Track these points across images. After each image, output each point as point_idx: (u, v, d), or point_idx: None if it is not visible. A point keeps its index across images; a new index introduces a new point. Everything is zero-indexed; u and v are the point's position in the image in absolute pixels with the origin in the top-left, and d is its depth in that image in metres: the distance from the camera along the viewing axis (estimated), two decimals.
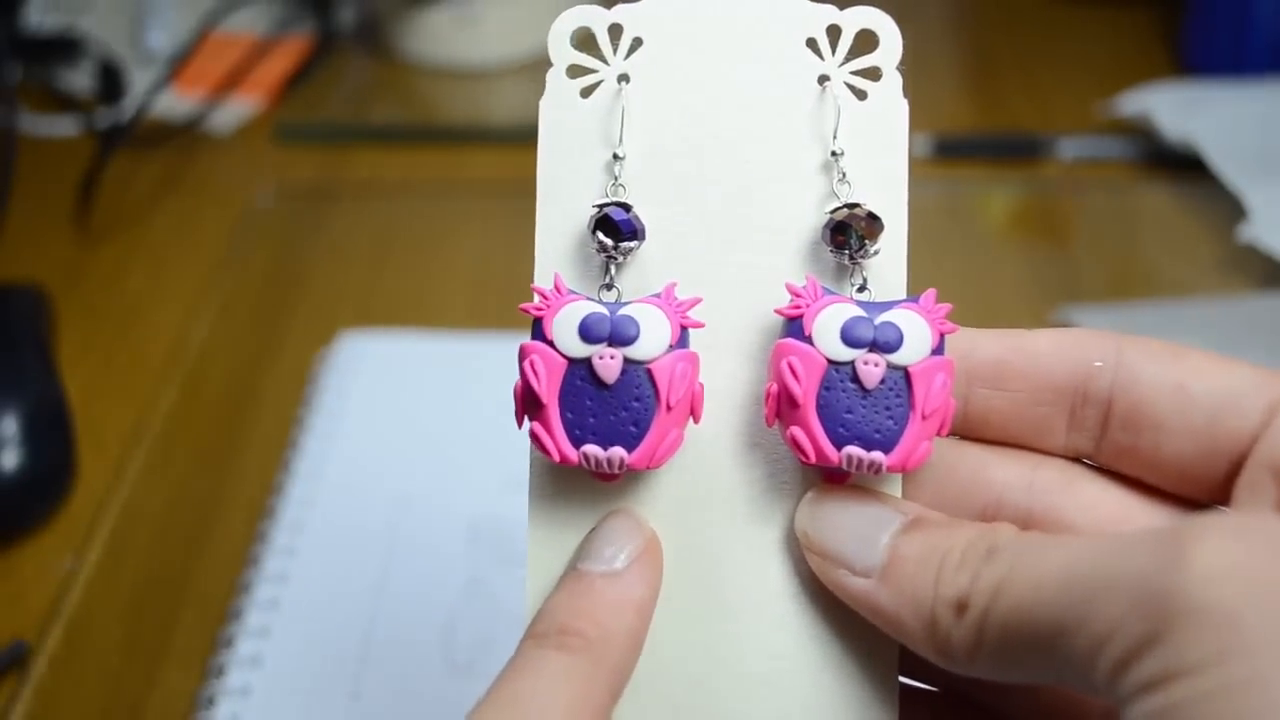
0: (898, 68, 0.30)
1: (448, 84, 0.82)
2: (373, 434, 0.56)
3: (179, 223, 0.71)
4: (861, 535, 0.27)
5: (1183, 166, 0.70)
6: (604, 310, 0.28)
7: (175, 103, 0.77)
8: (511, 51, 0.81)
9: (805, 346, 0.28)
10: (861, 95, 0.30)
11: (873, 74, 0.30)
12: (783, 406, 0.28)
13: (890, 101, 0.30)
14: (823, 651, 0.29)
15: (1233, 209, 0.65)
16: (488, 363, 0.59)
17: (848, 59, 0.30)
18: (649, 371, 0.28)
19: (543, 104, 0.30)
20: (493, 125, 0.78)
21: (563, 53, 0.30)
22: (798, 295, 0.28)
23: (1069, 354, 0.28)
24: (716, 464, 0.30)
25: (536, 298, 0.29)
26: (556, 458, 0.28)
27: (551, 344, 0.28)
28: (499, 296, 0.64)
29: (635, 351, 0.28)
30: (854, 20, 0.30)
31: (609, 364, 0.28)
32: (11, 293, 0.61)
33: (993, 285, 0.64)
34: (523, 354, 0.28)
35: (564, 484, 0.30)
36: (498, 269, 0.66)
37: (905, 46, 0.30)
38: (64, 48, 0.81)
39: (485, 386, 0.57)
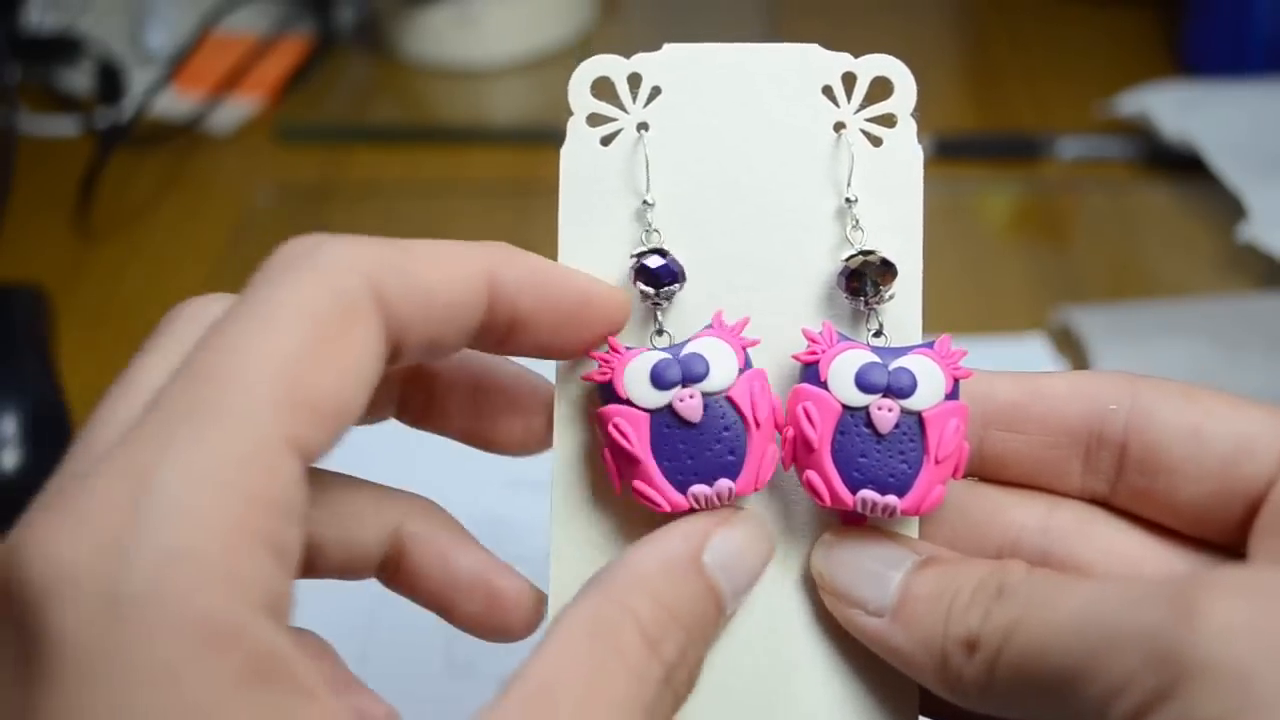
0: (912, 114, 0.30)
1: (448, 84, 0.82)
2: (372, 434, 0.56)
3: (179, 223, 0.71)
4: (874, 575, 0.28)
5: (1182, 166, 0.69)
6: (669, 355, 0.28)
7: (175, 103, 0.77)
8: (511, 51, 0.81)
9: (820, 392, 0.28)
10: (877, 142, 0.30)
11: (888, 120, 0.31)
12: (799, 451, 0.29)
13: (905, 148, 0.31)
14: (842, 691, 0.30)
15: (1233, 209, 0.65)
16: None
17: (863, 106, 0.30)
18: (729, 399, 0.28)
19: (564, 152, 0.30)
20: (492, 125, 0.78)
21: (583, 101, 0.30)
22: (814, 341, 0.29)
23: (1083, 397, 0.29)
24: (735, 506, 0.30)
25: (597, 364, 0.29)
26: (667, 508, 0.28)
27: (628, 401, 0.28)
28: None
29: (710, 385, 0.28)
30: (869, 68, 0.31)
31: (691, 403, 0.28)
32: (11, 293, 0.61)
33: (993, 285, 0.64)
34: (604, 419, 0.28)
35: (586, 490, 0.30)
36: None
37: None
38: (64, 48, 0.81)
39: None
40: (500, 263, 0.27)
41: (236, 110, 0.79)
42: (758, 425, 0.28)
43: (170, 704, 0.19)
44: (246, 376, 0.22)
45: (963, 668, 0.26)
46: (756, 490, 0.29)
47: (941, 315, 0.61)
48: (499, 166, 0.73)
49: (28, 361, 0.57)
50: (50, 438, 0.54)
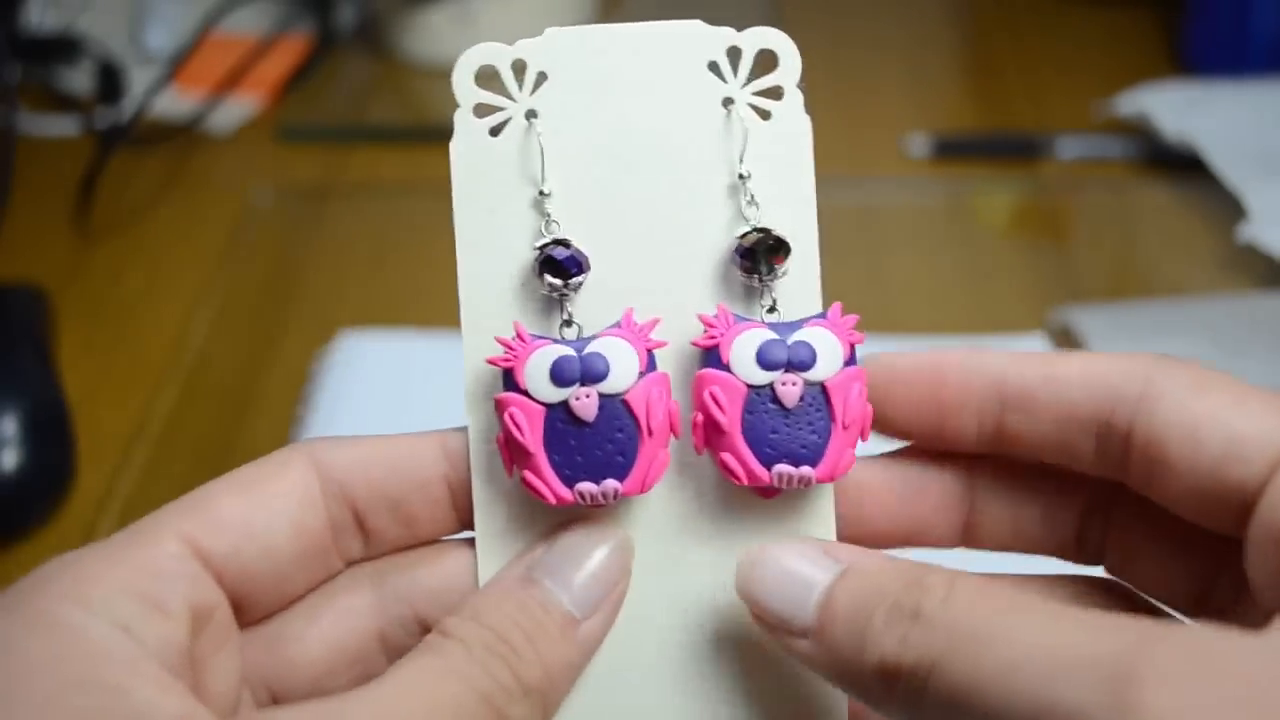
0: (799, 86, 0.30)
1: (447, 84, 0.82)
2: (372, 434, 0.56)
3: (178, 223, 0.71)
4: (794, 596, 0.27)
5: (1182, 166, 0.70)
6: (571, 351, 0.29)
7: (175, 102, 0.77)
8: None
9: (724, 375, 0.29)
10: (765, 115, 0.30)
11: (775, 94, 0.30)
12: (710, 435, 0.29)
13: (793, 120, 0.30)
14: (755, 666, 0.30)
15: (1233, 209, 0.65)
16: None
17: (749, 80, 0.30)
18: (625, 403, 0.28)
19: (453, 146, 0.30)
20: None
21: (467, 92, 0.30)
22: (710, 325, 0.29)
23: (1096, 384, 0.28)
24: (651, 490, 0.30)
25: (501, 349, 0.29)
26: (553, 501, 0.28)
27: (526, 393, 0.28)
28: None
29: (608, 386, 0.28)
30: (753, 41, 0.30)
31: (586, 403, 0.28)
32: (11, 293, 0.61)
33: (993, 285, 0.64)
34: (501, 406, 0.29)
35: (510, 495, 0.30)
36: None
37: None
38: (64, 48, 0.81)
39: None
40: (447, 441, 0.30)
41: (236, 110, 0.79)
42: (650, 432, 0.28)
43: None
44: (167, 506, 0.28)
45: (885, 696, 0.25)
46: (643, 492, 0.29)
47: (941, 314, 0.61)
48: None
49: (28, 361, 0.57)
50: (50, 438, 0.54)
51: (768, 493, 0.30)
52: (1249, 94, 0.73)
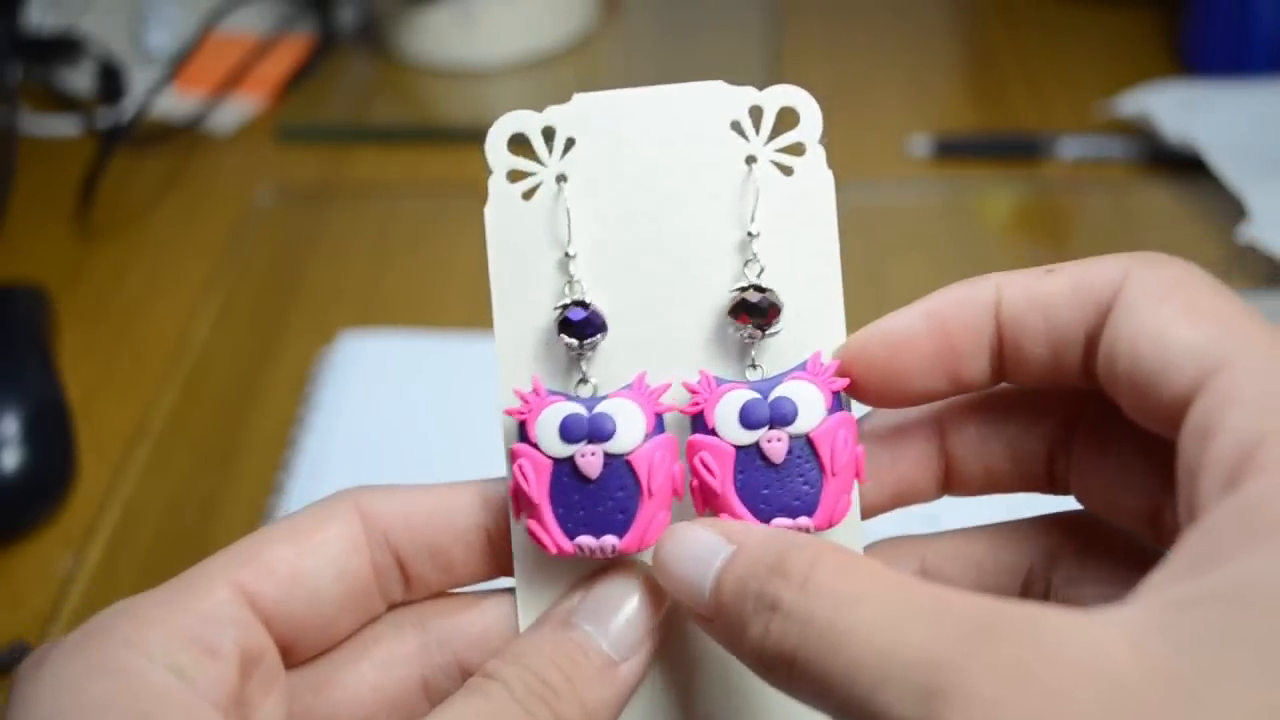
0: (820, 141, 0.31)
1: (448, 84, 0.82)
2: (373, 434, 0.56)
3: (179, 223, 0.71)
4: (694, 578, 0.27)
5: (1183, 166, 0.69)
6: (582, 410, 0.29)
7: (176, 103, 0.77)
8: (511, 51, 0.81)
9: (711, 439, 0.30)
10: (788, 171, 0.31)
11: (797, 150, 0.31)
12: (707, 498, 0.30)
13: (814, 175, 0.31)
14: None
15: (1233, 209, 0.65)
16: (488, 363, 0.58)
17: (772, 137, 0.31)
18: (629, 463, 0.29)
19: (487, 211, 0.31)
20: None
21: (500, 159, 0.31)
22: (694, 391, 0.30)
23: (1079, 297, 0.28)
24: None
25: (518, 401, 0.30)
26: (554, 550, 0.29)
27: (537, 445, 0.29)
28: None
29: (614, 446, 0.29)
30: (774, 99, 0.31)
31: (591, 461, 0.29)
32: (11, 293, 0.61)
33: None
34: (513, 457, 0.30)
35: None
36: None
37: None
38: (64, 48, 0.81)
39: (486, 386, 0.57)
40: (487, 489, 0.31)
41: (237, 110, 0.79)
42: (650, 494, 0.29)
43: (52, 682, 0.26)
44: (219, 554, 0.29)
45: (769, 679, 0.25)
46: (640, 551, 0.29)
47: None
48: None
49: (28, 361, 0.57)
50: (51, 438, 0.54)
51: None
52: (1249, 94, 0.73)
